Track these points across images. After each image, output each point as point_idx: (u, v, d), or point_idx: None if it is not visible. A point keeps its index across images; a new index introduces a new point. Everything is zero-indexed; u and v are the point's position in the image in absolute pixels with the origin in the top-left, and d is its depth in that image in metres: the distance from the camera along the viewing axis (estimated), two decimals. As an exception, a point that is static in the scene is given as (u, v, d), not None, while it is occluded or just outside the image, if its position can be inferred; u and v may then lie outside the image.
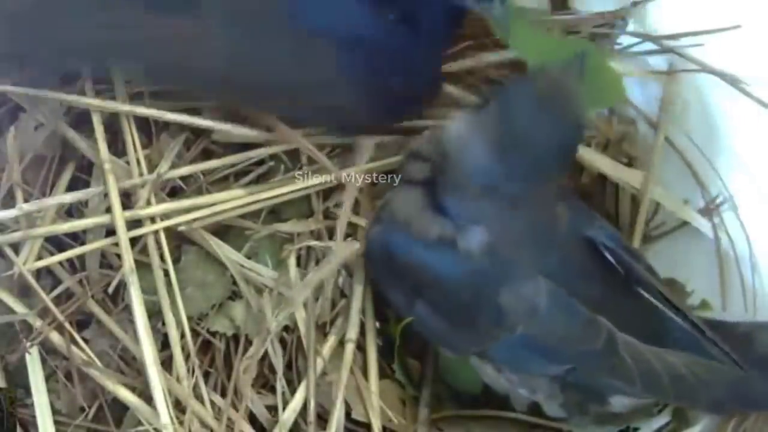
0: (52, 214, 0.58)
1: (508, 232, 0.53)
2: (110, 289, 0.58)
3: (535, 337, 0.52)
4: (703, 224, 0.62)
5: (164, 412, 0.54)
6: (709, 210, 0.62)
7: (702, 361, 0.52)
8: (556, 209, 0.55)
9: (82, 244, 0.59)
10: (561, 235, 0.54)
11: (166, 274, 0.58)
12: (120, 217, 0.58)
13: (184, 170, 0.60)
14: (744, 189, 0.61)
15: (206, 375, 0.58)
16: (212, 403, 0.56)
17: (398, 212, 0.56)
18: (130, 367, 0.58)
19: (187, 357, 0.57)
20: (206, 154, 0.63)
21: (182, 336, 0.57)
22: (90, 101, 0.60)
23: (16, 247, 0.57)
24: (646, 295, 0.55)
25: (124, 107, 0.60)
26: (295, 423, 0.56)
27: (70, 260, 0.59)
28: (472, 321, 0.54)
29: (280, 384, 0.57)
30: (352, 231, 0.61)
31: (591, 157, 0.63)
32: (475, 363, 0.57)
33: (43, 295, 0.57)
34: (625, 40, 0.67)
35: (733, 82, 0.61)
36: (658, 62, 0.66)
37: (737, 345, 0.53)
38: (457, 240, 0.53)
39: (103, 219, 0.58)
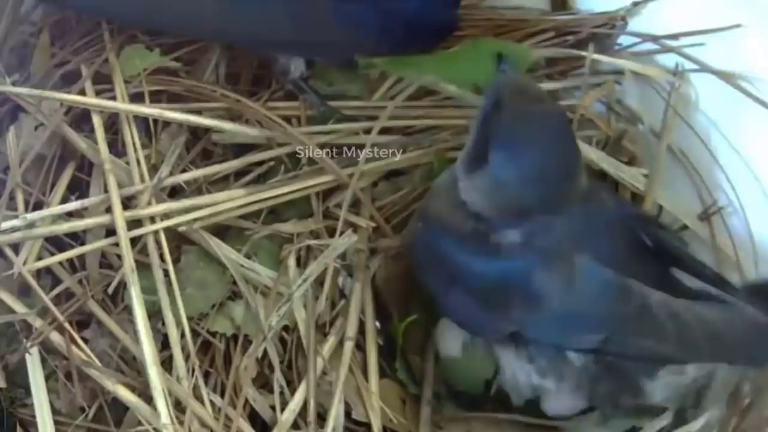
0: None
1: (546, 229, 0.53)
2: (110, 289, 0.58)
3: (570, 308, 0.53)
4: (701, 227, 0.62)
5: (164, 412, 0.54)
6: (708, 215, 0.62)
7: (738, 311, 0.52)
8: (601, 196, 0.56)
9: (82, 244, 0.59)
10: (605, 220, 0.55)
11: (166, 274, 0.58)
12: (120, 217, 0.58)
13: (186, 176, 0.61)
14: (745, 189, 0.61)
15: (206, 375, 0.58)
16: (212, 403, 0.56)
17: (435, 209, 0.56)
18: (130, 367, 0.58)
19: (187, 357, 0.57)
20: (206, 155, 0.63)
21: (182, 336, 0.57)
22: (90, 101, 0.60)
23: (16, 247, 0.57)
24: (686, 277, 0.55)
25: (124, 107, 0.61)
26: (295, 423, 0.56)
27: (70, 260, 0.59)
28: (506, 307, 0.54)
29: (278, 384, 0.57)
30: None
31: (591, 155, 0.63)
32: (497, 353, 0.57)
33: (43, 295, 0.57)
34: (625, 40, 0.67)
35: (733, 81, 0.61)
36: (659, 62, 0.66)
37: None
38: (490, 235, 0.53)
39: (103, 219, 0.58)
